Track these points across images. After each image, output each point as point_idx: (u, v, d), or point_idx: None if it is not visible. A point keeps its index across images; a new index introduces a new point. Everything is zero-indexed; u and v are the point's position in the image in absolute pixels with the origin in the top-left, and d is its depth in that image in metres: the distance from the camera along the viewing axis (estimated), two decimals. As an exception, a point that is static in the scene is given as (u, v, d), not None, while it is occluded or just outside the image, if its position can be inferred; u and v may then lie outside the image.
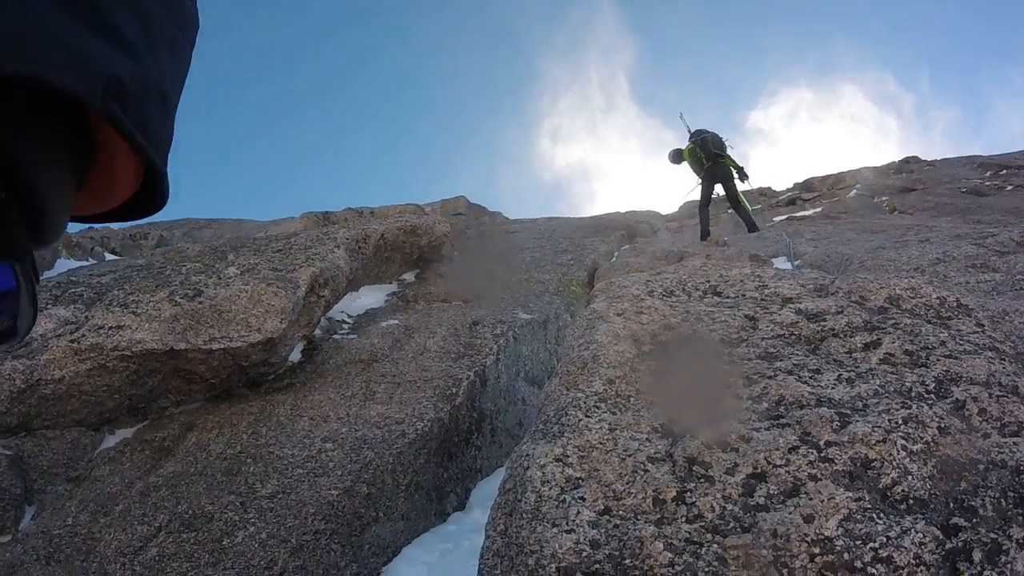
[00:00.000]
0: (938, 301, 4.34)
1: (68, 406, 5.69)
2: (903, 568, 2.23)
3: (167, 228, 14.97)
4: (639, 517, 2.68)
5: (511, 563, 2.96)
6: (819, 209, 16.94)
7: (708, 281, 5.68)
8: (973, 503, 2.41)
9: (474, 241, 14.49)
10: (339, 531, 4.93)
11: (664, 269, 7.04)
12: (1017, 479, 2.43)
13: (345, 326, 8.45)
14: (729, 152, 10.97)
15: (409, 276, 10.98)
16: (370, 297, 9.60)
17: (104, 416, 5.96)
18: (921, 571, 2.24)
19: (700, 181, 10.87)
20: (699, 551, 2.48)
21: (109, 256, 12.88)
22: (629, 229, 16.78)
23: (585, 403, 3.76)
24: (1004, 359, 3.62)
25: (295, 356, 7.17)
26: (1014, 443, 2.64)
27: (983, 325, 4.30)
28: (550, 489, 2.99)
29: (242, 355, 6.05)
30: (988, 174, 17.34)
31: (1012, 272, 6.74)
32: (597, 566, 2.64)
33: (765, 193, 24.40)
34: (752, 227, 10.29)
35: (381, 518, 5.30)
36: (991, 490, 2.44)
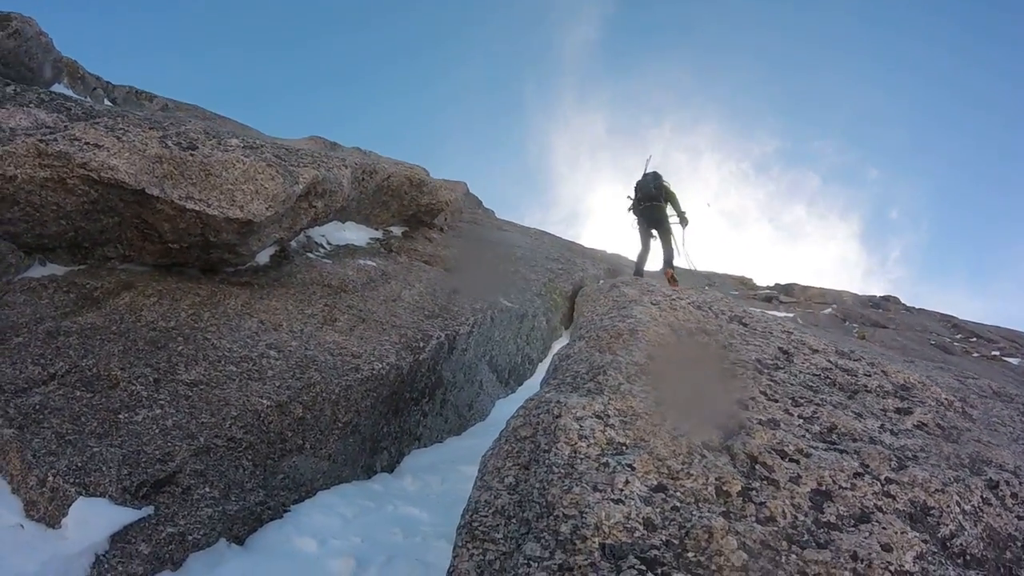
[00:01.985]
0: (946, 400, 4.25)
1: (8, 213, 4.87)
2: (978, 619, 2.19)
3: (173, 105, 13.98)
4: (702, 504, 2.42)
5: (528, 526, 2.36)
6: (792, 315, 16.89)
7: (732, 310, 5.66)
8: (1019, 574, 2.49)
9: (467, 225, 13.92)
10: (257, 447, 4.23)
11: (683, 290, 6.79)
12: None
13: (322, 250, 7.75)
14: (671, 191, 10.67)
15: (397, 230, 10.31)
16: (354, 234, 8.92)
17: (42, 241, 5.15)
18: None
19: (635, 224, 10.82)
20: (778, 559, 2.15)
21: (107, 104, 11.90)
22: (615, 265, 16.46)
23: (626, 369, 3.66)
24: None
25: (263, 258, 6.46)
26: None
27: (997, 424, 4.46)
28: (589, 446, 2.69)
29: (213, 227, 5.31)
30: (959, 336, 17.44)
31: (989, 414, 6.62)
32: (655, 552, 2.11)
33: (745, 283, 24.32)
34: (668, 264, 10.12)
35: (307, 450, 4.60)
36: None
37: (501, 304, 8.67)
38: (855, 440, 3.16)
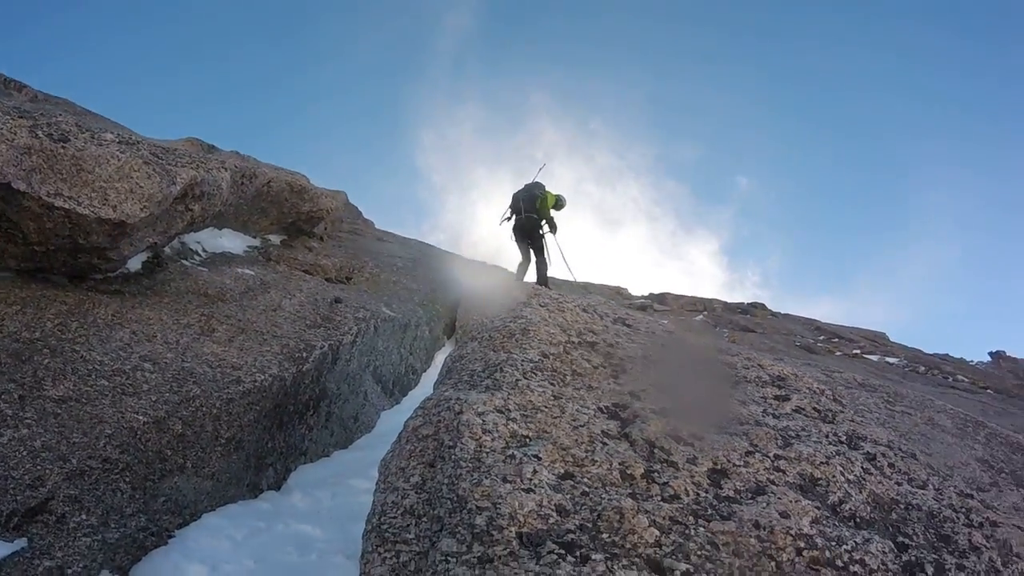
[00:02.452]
0: (818, 389, 4.63)
1: None
2: (876, 571, 2.45)
3: (43, 97, 12.73)
4: (609, 488, 2.57)
5: (441, 523, 2.38)
6: (666, 321, 17.87)
7: (615, 313, 5.97)
8: (907, 531, 2.77)
9: (347, 235, 13.63)
10: (135, 468, 3.97)
11: (566, 296, 7.01)
12: (931, 520, 2.90)
13: (197, 257, 7.36)
14: (544, 201, 10.79)
15: (275, 238, 9.96)
16: (231, 241, 8.52)
17: None
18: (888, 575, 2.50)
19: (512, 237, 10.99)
20: (687, 532, 2.36)
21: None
22: (497, 275, 16.68)
23: (522, 365, 3.77)
24: (895, 434, 4.29)
25: (135, 265, 6.05)
26: (922, 493, 3.12)
27: (864, 411, 5.02)
28: (493, 440, 2.77)
29: (83, 228, 4.91)
30: (822, 337, 19.10)
31: (856, 402, 7.28)
32: (571, 536, 2.22)
33: (621, 293, 25.41)
34: (542, 281, 10.38)
35: (188, 469, 4.37)
36: (918, 524, 2.84)
37: (384, 313, 8.57)
38: (742, 424, 3.43)
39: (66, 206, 4.74)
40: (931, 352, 19.38)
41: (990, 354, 20.63)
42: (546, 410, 3.19)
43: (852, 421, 3.93)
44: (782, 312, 23.29)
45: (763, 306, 23.48)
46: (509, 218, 10.89)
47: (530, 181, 11.02)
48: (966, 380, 14.99)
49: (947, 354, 19.74)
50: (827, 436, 3.54)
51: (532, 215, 10.45)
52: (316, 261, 9.81)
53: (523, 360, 3.91)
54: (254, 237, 9.28)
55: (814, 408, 4.01)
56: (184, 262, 6.93)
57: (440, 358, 10.33)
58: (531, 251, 10.58)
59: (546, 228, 10.70)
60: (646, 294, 26.15)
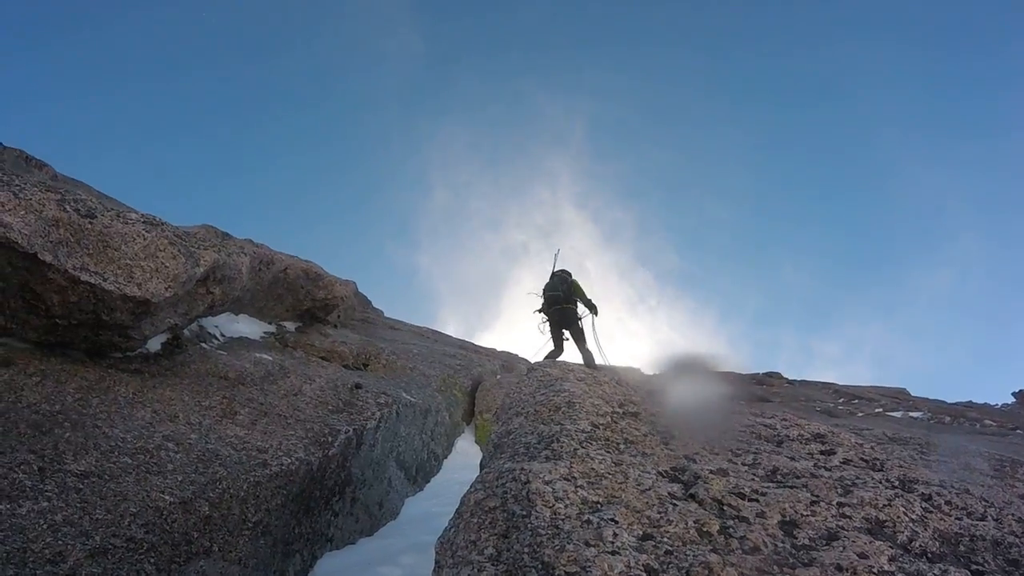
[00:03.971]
0: (857, 443, 4.57)
1: None
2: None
3: (63, 179, 12.90)
4: (690, 545, 2.51)
5: None
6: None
7: (646, 386, 5.93)
8: (978, 559, 2.76)
9: (359, 323, 13.55)
10: (160, 549, 3.67)
11: (595, 371, 6.86)
12: (997, 548, 2.91)
13: (215, 341, 7.20)
14: (578, 287, 10.54)
15: (290, 325, 9.83)
16: (248, 327, 8.39)
17: None
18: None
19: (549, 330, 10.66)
20: None
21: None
22: (508, 361, 16.47)
23: (576, 436, 3.77)
24: (946, 474, 4.25)
25: (154, 345, 5.88)
26: (983, 524, 3.14)
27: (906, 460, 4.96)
28: (566, 507, 2.70)
29: (107, 304, 4.77)
30: (842, 400, 18.56)
31: (890, 455, 7.09)
32: None
33: (634, 372, 25.01)
34: (589, 365, 9.99)
35: (215, 553, 4.05)
36: (986, 553, 2.83)
37: (405, 399, 8.33)
38: (798, 477, 3.44)
39: (92, 280, 4.63)
40: (953, 402, 18.92)
41: (1014, 395, 20.21)
42: (610, 476, 3.20)
43: (901, 467, 3.94)
44: (799, 379, 22.82)
45: (779, 375, 23.03)
46: (544, 311, 10.61)
47: (555, 270, 10.77)
48: (994, 424, 14.54)
49: (970, 401, 19.30)
50: (881, 482, 3.57)
51: (571, 305, 10.11)
52: (333, 347, 9.65)
53: (576, 431, 3.93)
54: (270, 323, 9.16)
55: (861, 458, 4.03)
56: (203, 345, 6.77)
57: (460, 444, 10.01)
58: (569, 341, 10.23)
59: (584, 312, 10.24)
60: (658, 372, 25.77)
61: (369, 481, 6.53)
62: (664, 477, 3.32)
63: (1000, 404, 19.44)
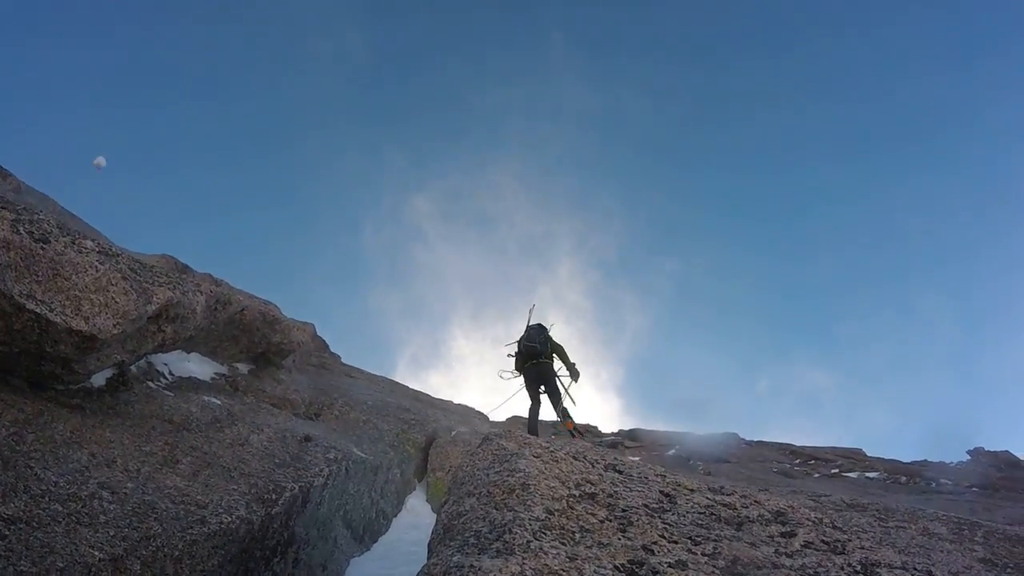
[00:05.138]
0: (817, 519, 4.52)
1: None
2: None
3: (27, 190, 12.37)
4: None
5: None
6: (638, 458, 17.34)
7: (604, 459, 5.77)
8: None
9: (315, 368, 13.18)
10: (82, 611, 3.37)
11: (553, 442, 6.69)
12: None
13: (163, 380, 6.86)
14: (558, 345, 10.29)
15: (243, 367, 9.48)
16: (199, 367, 8.05)
17: None
18: None
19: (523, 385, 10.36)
20: None
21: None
22: (464, 415, 16.17)
23: (530, 526, 3.60)
24: (906, 554, 4.39)
25: (98, 380, 5.56)
26: None
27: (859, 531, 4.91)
28: None
29: (52, 336, 4.49)
30: (798, 461, 18.73)
31: (849, 525, 7.04)
32: None
33: (591, 430, 24.84)
34: (566, 417, 9.79)
35: (143, 618, 3.74)
36: None
37: (355, 455, 8.02)
38: (759, 568, 3.35)
39: (37, 310, 4.36)
40: (909, 461, 19.15)
41: (968, 452, 20.53)
42: (564, 574, 3.09)
43: (861, 548, 3.90)
44: (755, 439, 22.92)
45: (736, 435, 23.11)
46: (519, 368, 10.22)
47: (531, 324, 10.52)
48: (949, 483, 14.72)
49: (925, 460, 19.54)
50: (843, 568, 3.54)
51: (548, 360, 9.90)
52: (285, 395, 9.32)
53: (530, 519, 3.78)
54: (222, 364, 8.81)
55: (822, 540, 3.98)
56: (150, 384, 6.44)
57: (411, 502, 9.65)
58: (545, 396, 9.99)
59: (562, 371, 10.02)
60: (616, 431, 25.63)
61: (313, 541, 6.20)
62: (621, 572, 3.23)
63: (955, 462, 19.77)
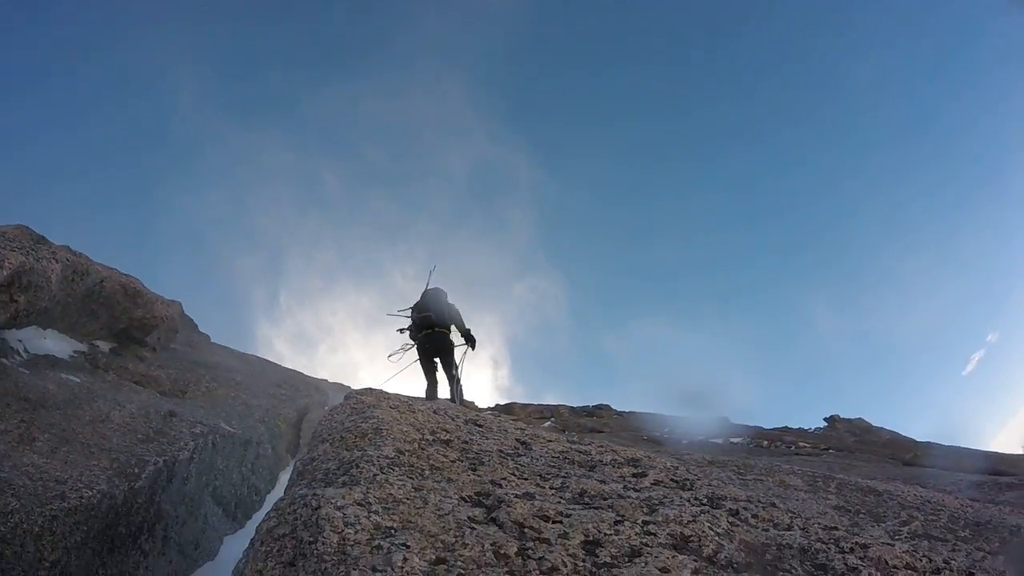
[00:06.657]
0: (672, 466, 4.82)
1: None
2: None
3: None
4: (485, 568, 2.54)
5: None
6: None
7: (464, 415, 6.01)
8: (784, 567, 2.96)
9: (181, 347, 12.70)
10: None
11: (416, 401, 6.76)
12: (805, 554, 3.12)
13: (18, 357, 6.57)
14: (456, 311, 8.98)
15: (104, 345, 9.10)
16: (56, 344, 7.70)
17: None
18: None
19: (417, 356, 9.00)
20: None
21: None
22: (338, 393, 16.10)
23: (378, 462, 3.71)
24: (751, 490, 4.62)
25: (-55, 357, 5.27)
26: (790, 534, 3.32)
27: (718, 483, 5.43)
28: (356, 533, 2.67)
29: None
30: (667, 429, 19.99)
31: (709, 477, 7.69)
32: None
33: (467, 405, 25.14)
34: (459, 402, 8.73)
35: (2, 595, 3.70)
36: (793, 560, 3.04)
37: (223, 429, 7.96)
38: (606, 499, 3.54)
39: None
40: (771, 427, 20.74)
41: (825, 419, 22.47)
42: (408, 502, 3.16)
43: (710, 486, 4.15)
44: (627, 411, 24.06)
45: (608, 407, 24.15)
46: (413, 337, 9.00)
47: (429, 287, 9.29)
48: (808, 446, 16.12)
49: (786, 426, 21.21)
50: (689, 500, 3.75)
51: (444, 329, 8.73)
52: (148, 372, 9.05)
53: (379, 456, 3.85)
54: (81, 342, 8.45)
55: (672, 479, 4.22)
56: (3, 360, 6.17)
57: (284, 478, 9.62)
58: (440, 370, 8.78)
59: (459, 341, 8.92)
60: (493, 405, 26.11)
61: (183, 518, 6.17)
62: (467, 502, 3.32)
63: (813, 428, 21.61)
